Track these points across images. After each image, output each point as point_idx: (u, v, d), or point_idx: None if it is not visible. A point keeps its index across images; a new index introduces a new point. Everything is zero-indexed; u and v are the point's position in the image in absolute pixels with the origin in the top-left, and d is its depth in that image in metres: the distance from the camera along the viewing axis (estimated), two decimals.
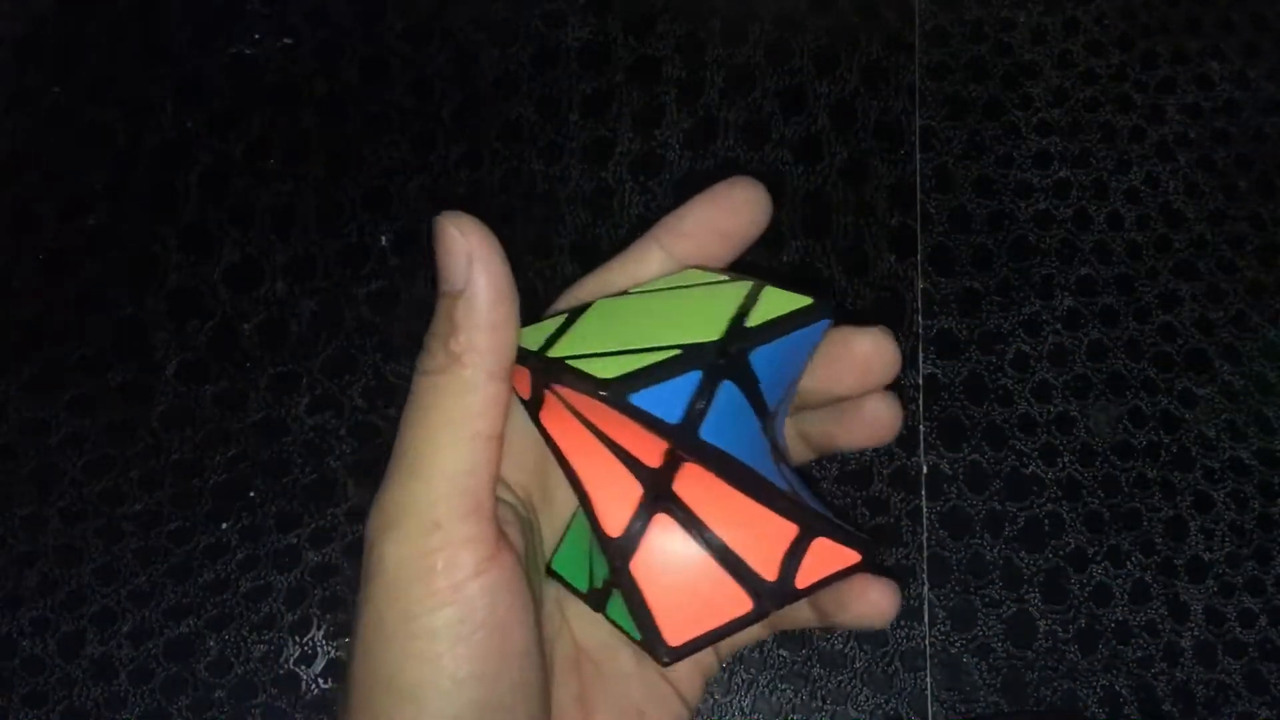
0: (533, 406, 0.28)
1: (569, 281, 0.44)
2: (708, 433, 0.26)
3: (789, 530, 0.28)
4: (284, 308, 0.45)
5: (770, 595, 0.28)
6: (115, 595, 0.42)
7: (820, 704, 0.41)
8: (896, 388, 0.44)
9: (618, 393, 0.25)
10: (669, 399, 0.26)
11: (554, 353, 0.27)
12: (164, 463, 0.43)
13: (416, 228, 0.45)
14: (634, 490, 0.27)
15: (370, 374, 0.44)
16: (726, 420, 0.27)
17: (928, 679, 0.41)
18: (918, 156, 0.46)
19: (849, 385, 0.31)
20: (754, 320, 0.27)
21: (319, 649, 0.42)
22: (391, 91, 0.47)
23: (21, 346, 0.44)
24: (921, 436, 0.43)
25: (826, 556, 0.29)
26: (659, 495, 0.27)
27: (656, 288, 0.30)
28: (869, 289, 0.45)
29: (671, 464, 0.27)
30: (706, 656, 0.33)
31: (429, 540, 0.26)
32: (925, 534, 0.43)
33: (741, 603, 0.28)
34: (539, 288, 0.45)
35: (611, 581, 0.28)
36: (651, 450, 0.27)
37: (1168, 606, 0.42)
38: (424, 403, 0.26)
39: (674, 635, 0.27)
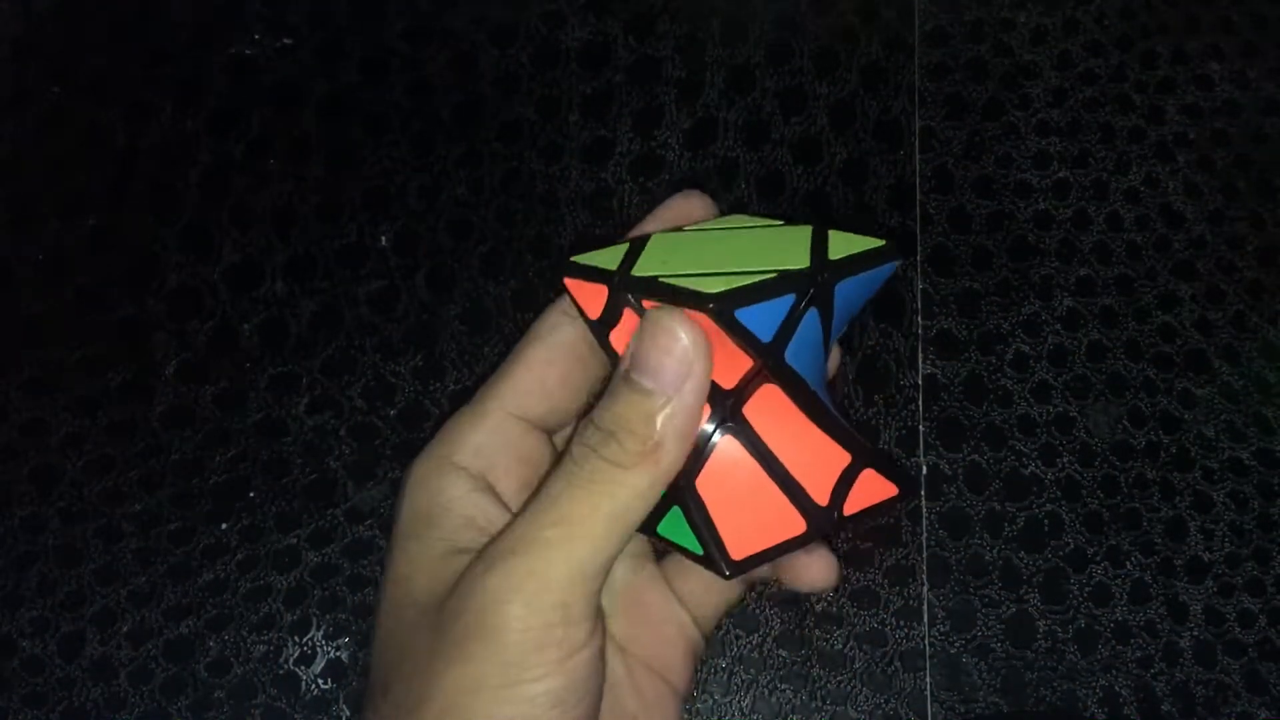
0: (603, 326, 0.29)
1: None
2: (790, 356, 0.27)
3: (842, 458, 0.29)
4: (284, 308, 0.45)
5: (821, 520, 0.29)
6: (115, 596, 0.42)
7: (820, 704, 0.41)
8: (897, 388, 0.44)
9: (724, 307, 0.26)
10: (765, 319, 0.26)
11: (637, 274, 0.28)
12: (164, 463, 0.43)
13: (416, 228, 0.45)
14: (703, 410, 0.28)
15: (370, 374, 0.44)
16: (803, 347, 0.28)
17: (927, 679, 0.41)
18: (917, 157, 0.46)
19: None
20: (835, 254, 0.28)
21: (319, 649, 0.42)
22: (391, 92, 0.47)
23: (21, 346, 0.44)
24: (921, 437, 0.44)
25: (871, 488, 0.30)
26: (727, 417, 0.28)
27: (712, 227, 0.31)
28: None
29: (745, 387, 0.28)
30: (694, 636, 0.33)
31: (554, 615, 0.26)
32: (925, 534, 0.43)
33: (796, 524, 0.29)
34: (539, 288, 0.45)
35: (672, 497, 0.28)
36: (728, 373, 0.28)
37: (1167, 607, 0.42)
38: (593, 487, 0.26)
39: (737, 550, 0.28)
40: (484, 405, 0.30)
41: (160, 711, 0.41)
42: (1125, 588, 0.42)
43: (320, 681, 0.41)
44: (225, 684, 0.41)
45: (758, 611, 0.42)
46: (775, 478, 0.29)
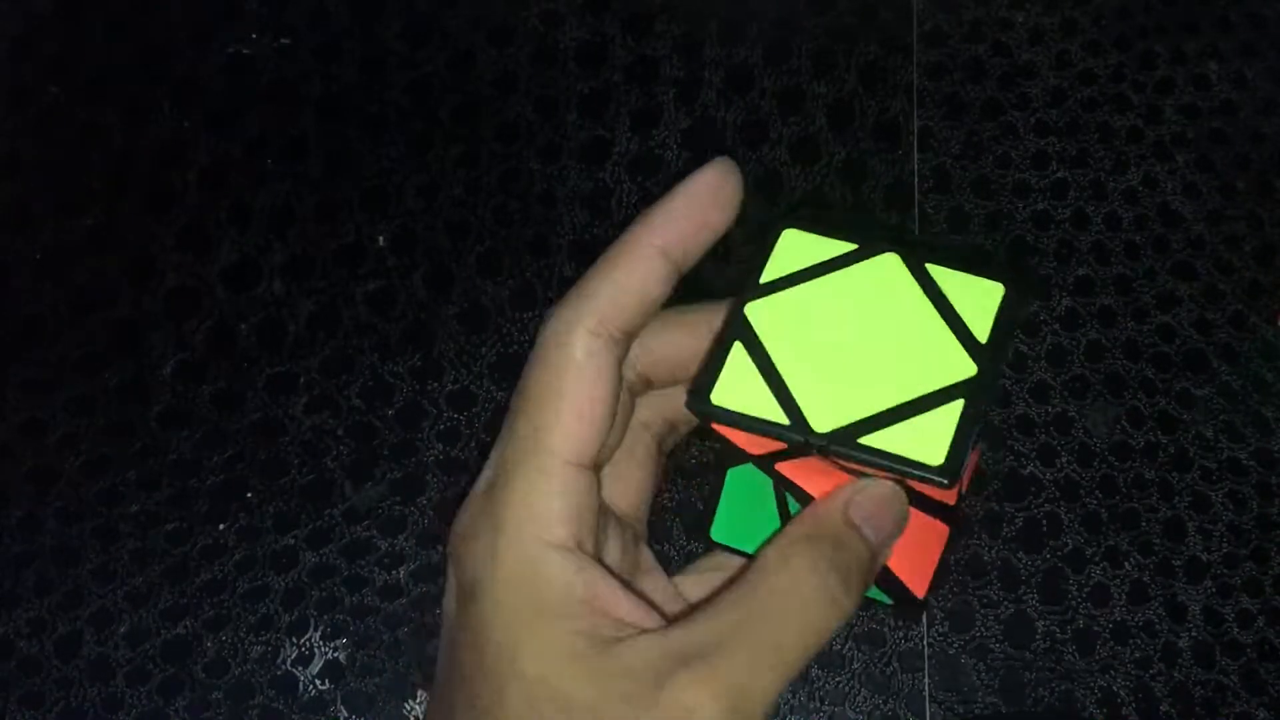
0: (766, 459, 0.29)
1: (567, 281, 0.44)
2: None
3: None
4: (282, 307, 0.45)
5: (954, 513, 0.30)
6: (112, 596, 0.42)
7: (818, 704, 0.41)
8: None
9: (953, 479, 0.26)
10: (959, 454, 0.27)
11: (821, 430, 0.27)
12: (161, 463, 0.43)
13: (414, 227, 0.45)
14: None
15: (368, 374, 0.44)
16: None
17: (925, 680, 0.41)
18: (915, 157, 0.46)
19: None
20: (979, 331, 0.28)
21: (316, 650, 0.42)
22: (389, 91, 0.47)
23: (19, 346, 0.44)
24: None
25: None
26: None
27: (790, 271, 0.30)
28: None
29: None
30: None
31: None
32: None
33: (941, 530, 0.30)
34: (537, 288, 0.45)
35: None
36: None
37: (1165, 607, 0.42)
38: (810, 635, 0.27)
39: (918, 587, 0.30)
40: (543, 461, 0.28)
41: (158, 712, 0.41)
42: (1124, 588, 0.42)
43: (318, 682, 0.41)
44: (223, 684, 0.41)
45: None
46: (915, 503, 0.29)
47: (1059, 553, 0.42)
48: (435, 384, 0.44)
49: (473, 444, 0.43)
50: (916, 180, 0.46)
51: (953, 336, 0.28)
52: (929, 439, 0.26)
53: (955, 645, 0.42)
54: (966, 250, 0.45)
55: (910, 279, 0.29)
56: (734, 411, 0.28)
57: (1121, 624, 0.42)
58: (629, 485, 0.32)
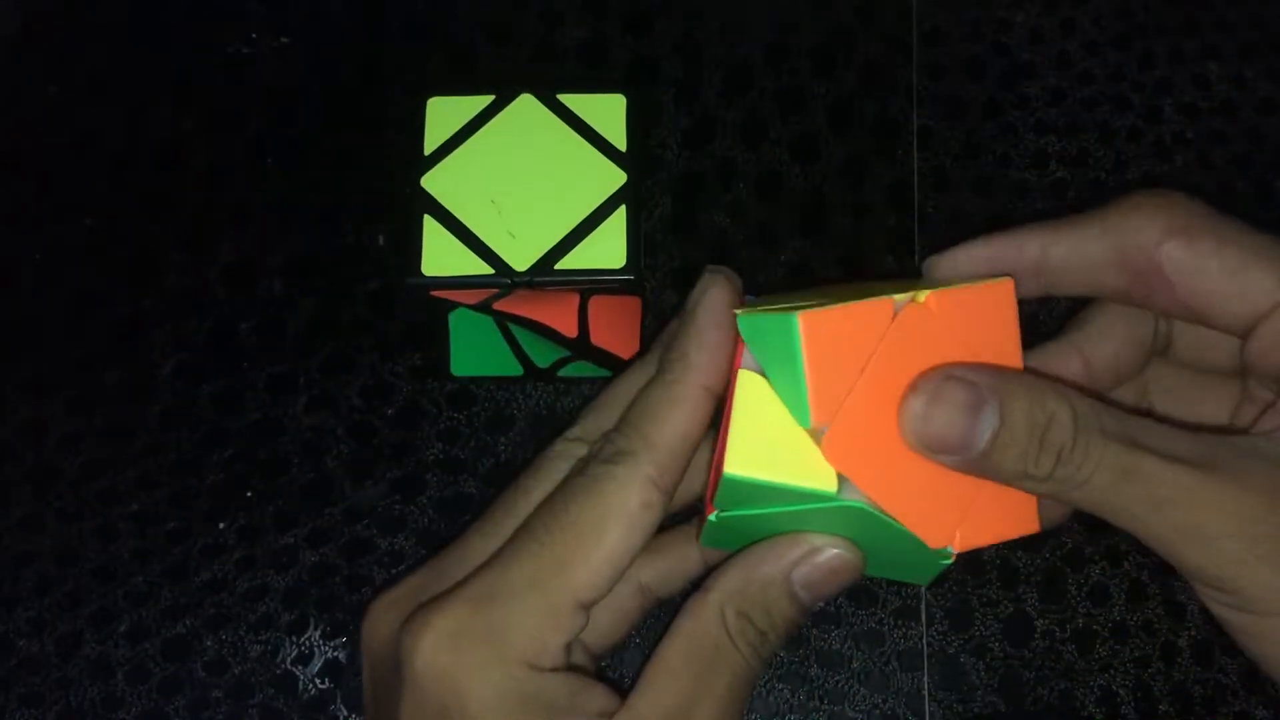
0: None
1: None
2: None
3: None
4: (281, 307, 0.45)
5: (638, 287, 0.34)
6: (112, 595, 0.42)
7: (818, 704, 0.41)
8: None
9: (635, 273, 0.32)
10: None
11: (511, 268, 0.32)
12: (161, 463, 0.43)
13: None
14: None
15: (368, 374, 0.44)
16: None
17: (925, 678, 0.41)
18: (915, 156, 0.46)
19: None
20: (617, 141, 0.33)
21: (316, 649, 0.42)
22: (389, 90, 0.47)
23: (18, 347, 0.44)
24: None
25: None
26: None
27: (447, 137, 0.35)
28: None
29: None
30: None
31: None
32: None
33: (635, 302, 0.35)
34: None
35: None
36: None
37: (1165, 606, 0.42)
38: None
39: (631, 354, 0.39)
40: (558, 599, 0.27)
41: (157, 711, 0.41)
42: (1123, 587, 0.42)
43: (317, 681, 0.41)
44: (222, 684, 0.41)
45: None
46: (609, 293, 0.33)
47: (1058, 552, 0.42)
48: (435, 384, 0.44)
49: (472, 443, 0.43)
50: (916, 180, 0.46)
51: (599, 154, 0.32)
52: (608, 247, 0.31)
53: (955, 644, 0.42)
54: (586, 72, 0.47)
55: (548, 112, 0.33)
56: (446, 277, 0.32)
57: (1121, 623, 0.42)
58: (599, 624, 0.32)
